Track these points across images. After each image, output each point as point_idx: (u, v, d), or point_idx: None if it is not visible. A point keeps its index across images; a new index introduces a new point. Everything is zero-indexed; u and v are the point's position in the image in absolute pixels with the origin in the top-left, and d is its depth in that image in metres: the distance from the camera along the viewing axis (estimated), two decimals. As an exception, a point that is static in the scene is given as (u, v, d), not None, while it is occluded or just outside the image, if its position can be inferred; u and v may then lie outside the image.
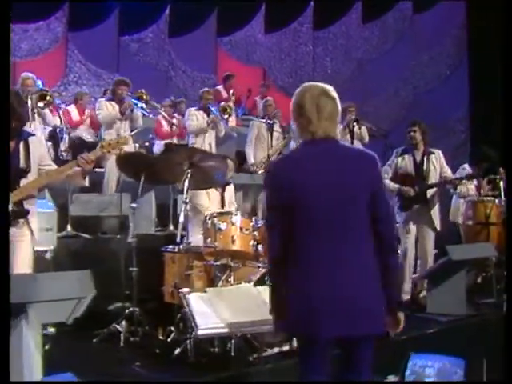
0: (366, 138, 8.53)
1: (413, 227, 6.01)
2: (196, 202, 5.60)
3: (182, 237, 4.62)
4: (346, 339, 2.57)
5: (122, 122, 6.92)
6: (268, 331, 3.55)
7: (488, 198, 6.84)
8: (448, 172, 6.11)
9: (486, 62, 11.10)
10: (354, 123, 8.12)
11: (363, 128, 8.43)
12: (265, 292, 3.69)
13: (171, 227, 6.87)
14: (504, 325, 5.34)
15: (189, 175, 4.17)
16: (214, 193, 5.78)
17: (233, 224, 4.66)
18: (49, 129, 7.48)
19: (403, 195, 5.99)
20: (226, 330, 3.80)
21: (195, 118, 7.56)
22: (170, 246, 4.68)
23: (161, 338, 4.27)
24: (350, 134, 8.19)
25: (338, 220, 2.53)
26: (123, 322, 4.35)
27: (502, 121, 4.91)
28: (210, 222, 4.63)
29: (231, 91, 10.38)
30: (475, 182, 7.04)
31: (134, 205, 4.68)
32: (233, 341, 3.87)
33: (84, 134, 8.45)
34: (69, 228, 6.15)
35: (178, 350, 3.93)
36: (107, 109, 6.89)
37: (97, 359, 4.06)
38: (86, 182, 5.25)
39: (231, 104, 8.18)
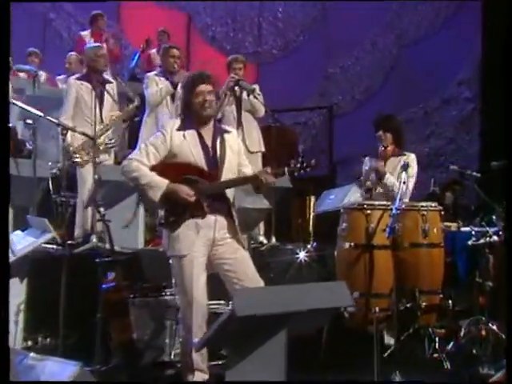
0: (262, 110, 6.14)
1: (201, 260, 3.81)
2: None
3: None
4: None
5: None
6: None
7: (377, 203, 4.59)
8: (247, 164, 4.05)
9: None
10: (236, 87, 5.80)
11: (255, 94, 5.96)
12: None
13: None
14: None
15: None
16: None
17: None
18: None
19: (184, 202, 3.77)
20: None
21: None
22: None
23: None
24: (235, 103, 6.07)
25: None
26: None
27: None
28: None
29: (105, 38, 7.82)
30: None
31: None
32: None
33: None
34: None
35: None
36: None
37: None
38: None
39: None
